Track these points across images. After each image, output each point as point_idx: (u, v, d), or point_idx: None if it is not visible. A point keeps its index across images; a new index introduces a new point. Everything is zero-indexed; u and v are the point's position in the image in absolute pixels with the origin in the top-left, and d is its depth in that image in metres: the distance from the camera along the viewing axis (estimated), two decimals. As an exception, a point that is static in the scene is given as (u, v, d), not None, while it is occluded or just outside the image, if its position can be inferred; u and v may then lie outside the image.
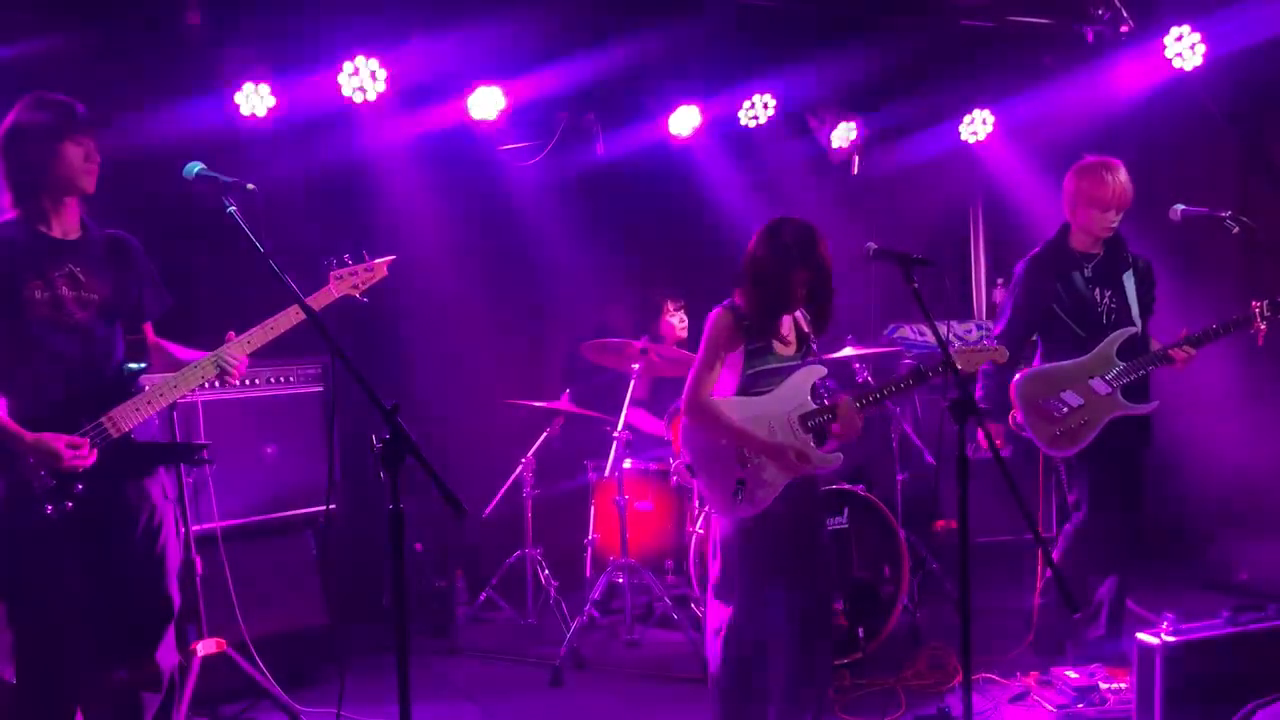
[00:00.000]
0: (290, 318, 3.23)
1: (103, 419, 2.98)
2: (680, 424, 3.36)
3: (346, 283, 3.45)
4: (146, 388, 3.10)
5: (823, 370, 3.40)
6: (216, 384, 4.20)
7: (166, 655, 3.17)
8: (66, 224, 3.08)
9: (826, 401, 3.42)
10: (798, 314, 3.44)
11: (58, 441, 2.88)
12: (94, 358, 3.06)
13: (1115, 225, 4.23)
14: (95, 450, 2.93)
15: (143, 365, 3.20)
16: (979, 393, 4.35)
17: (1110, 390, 4.14)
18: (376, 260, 3.50)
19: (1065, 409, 4.15)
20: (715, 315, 3.33)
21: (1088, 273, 4.27)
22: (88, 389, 3.01)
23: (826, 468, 3.40)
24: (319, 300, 3.40)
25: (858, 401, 3.37)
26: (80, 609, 2.98)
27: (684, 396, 3.31)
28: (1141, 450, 4.29)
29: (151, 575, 3.12)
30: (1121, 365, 4.15)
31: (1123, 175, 4.18)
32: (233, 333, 3.26)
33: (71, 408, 2.96)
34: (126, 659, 3.12)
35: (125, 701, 3.12)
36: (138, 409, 3.05)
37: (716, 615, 3.34)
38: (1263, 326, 4.04)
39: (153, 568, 3.12)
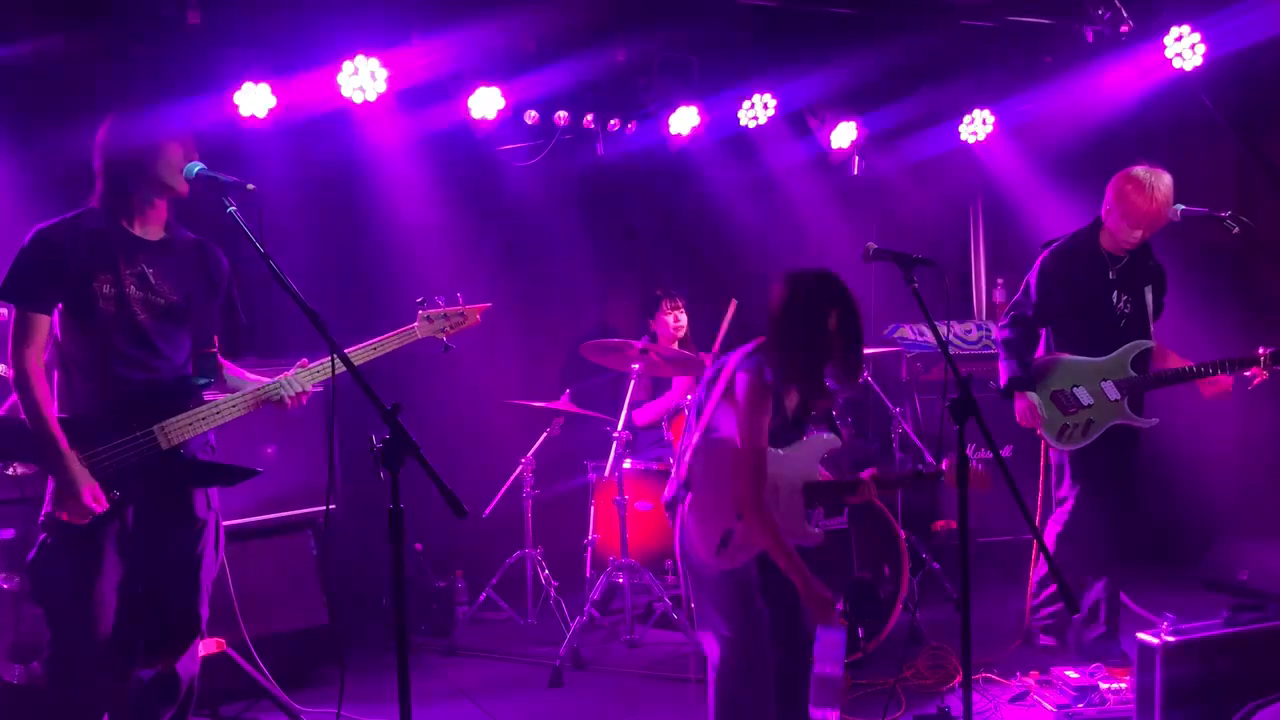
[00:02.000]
0: (367, 354, 3.14)
1: (154, 428, 2.92)
2: (689, 453, 3.19)
3: (435, 325, 3.27)
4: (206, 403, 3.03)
5: (838, 443, 3.29)
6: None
7: (188, 665, 3.15)
8: (149, 223, 3.03)
9: (842, 476, 3.37)
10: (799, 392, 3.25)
11: (86, 489, 2.82)
12: (154, 363, 2.99)
13: (1142, 242, 4.25)
14: (110, 503, 2.87)
15: (208, 380, 3.12)
16: (1003, 369, 4.35)
17: (1119, 397, 4.18)
18: (469, 307, 3.31)
19: (1075, 404, 4.21)
20: (751, 384, 3.07)
21: (1112, 275, 4.29)
22: (145, 394, 2.95)
23: (808, 544, 3.24)
24: (403, 338, 3.24)
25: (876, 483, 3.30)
26: (112, 612, 2.94)
27: (745, 491, 3.05)
28: (1132, 451, 4.31)
29: (184, 588, 3.07)
30: (1133, 376, 4.19)
31: (1162, 193, 4.13)
32: (305, 359, 3.16)
33: (124, 410, 2.91)
34: (149, 665, 3.09)
35: (142, 705, 3.10)
36: (192, 424, 2.98)
37: (708, 647, 3.25)
38: (1263, 374, 4.03)
39: (187, 581, 3.08)
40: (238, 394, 3.08)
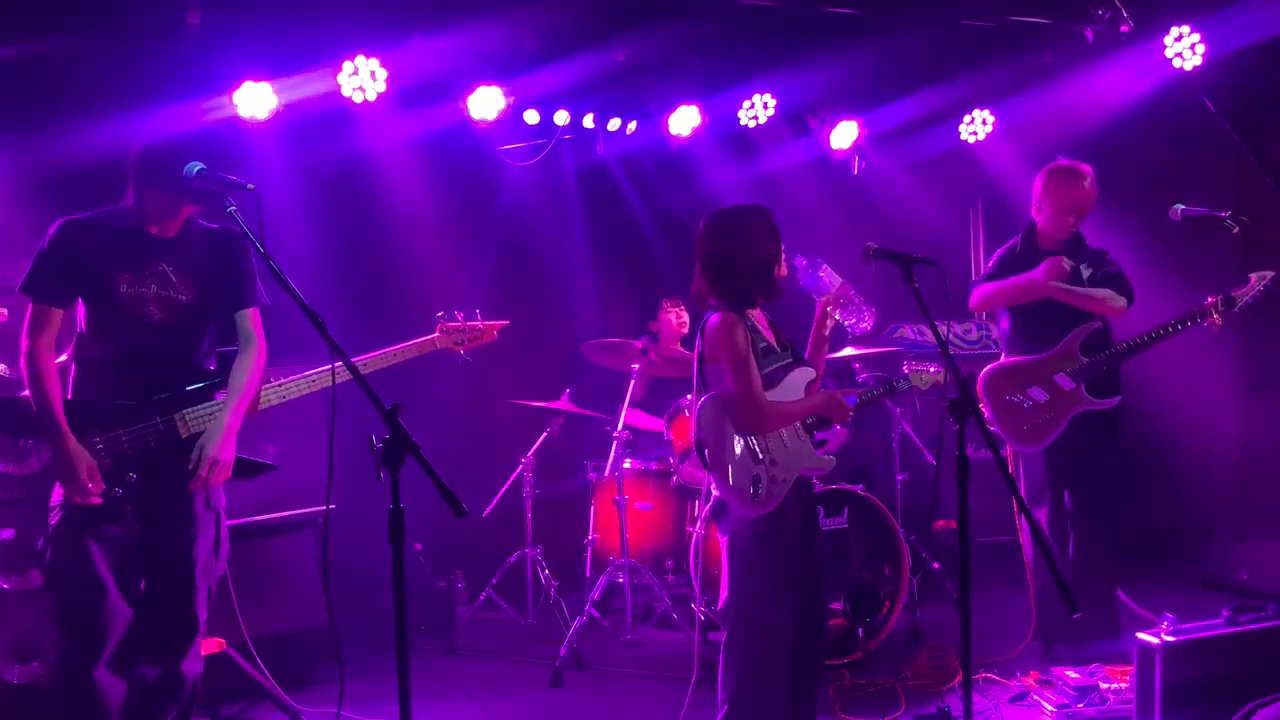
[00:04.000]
0: (387, 359, 3.36)
1: (174, 415, 3.00)
2: (694, 420, 3.34)
3: (452, 337, 3.49)
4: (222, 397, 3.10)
5: (813, 373, 3.41)
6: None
7: (191, 665, 3.16)
8: (168, 222, 3.07)
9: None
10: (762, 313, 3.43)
11: (83, 466, 2.87)
12: (171, 357, 3.05)
13: (1074, 229, 4.29)
14: (109, 498, 2.92)
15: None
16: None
17: (1074, 385, 4.19)
18: (487, 323, 3.54)
19: (1030, 404, 4.21)
20: (724, 322, 3.23)
21: None
22: (162, 387, 3.01)
23: (822, 470, 3.40)
24: (423, 347, 3.47)
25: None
26: (117, 605, 2.97)
27: (743, 412, 3.19)
28: (1110, 448, 4.30)
29: (181, 587, 3.09)
30: (1085, 361, 4.19)
31: (1088, 183, 4.23)
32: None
33: (145, 401, 2.97)
34: (152, 664, 3.10)
35: (146, 705, 3.11)
36: (211, 415, 3.05)
37: (738, 630, 3.29)
38: (1217, 320, 4.07)
39: (183, 580, 3.09)
40: (265, 389, 3.19)
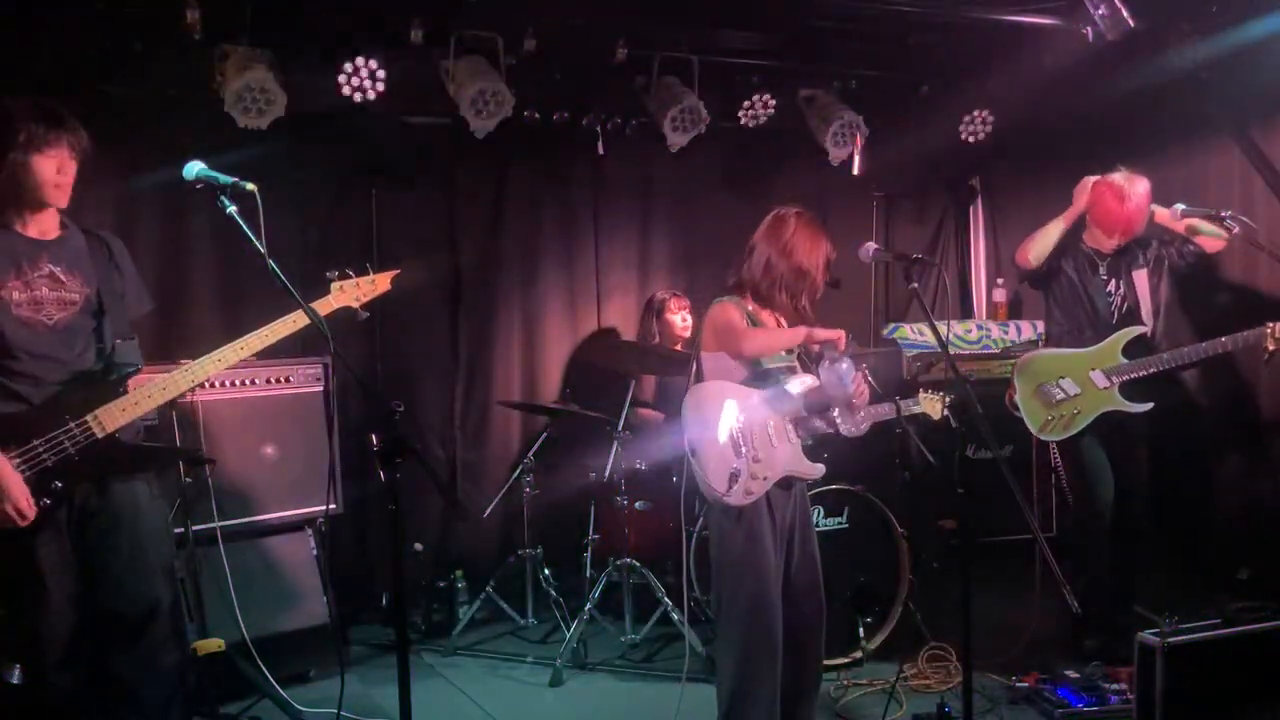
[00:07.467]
0: (289, 324, 3.23)
1: (87, 417, 2.99)
2: (683, 407, 3.34)
3: (348, 294, 3.47)
4: (133, 389, 3.09)
5: (815, 380, 3.41)
6: (216, 383, 4.22)
7: (164, 653, 3.16)
8: (44, 226, 3.07)
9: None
10: (780, 317, 3.46)
11: (19, 492, 2.85)
12: (77, 357, 3.05)
13: (1115, 246, 4.28)
14: (38, 509, 2.91)
15: (134, 368, 3.17)
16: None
17: (1109, 385, 4.19)
18: (379, 274, 3.52)
19: (1061, 395, 4.23)
20: (721, 306, 3.35)
21: (1101, 267, 4.33)
22: (72, 388, 3.01)
23: (810, 476, 3.42)
24: (318, 309, 3.37)
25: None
26: (67, 606, 2.99)
27: (726, 335, 3.33)
28: (1139, 452, 4.32)
29: (134, 574, 3.10)
30: (1124, 362, 4.19)
31: (1131, 205, 4.18)
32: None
33: (55, 407, 2.97)
34: (120, 657, 3.11)
35: (125, 698, 3.12)
36: (124, 410, 3.04)
37: (729, 628, 3.31)
38: (1270, 346, 3.99)
39: (135, 566, 3.10)
40: (166, 377, 3.14)
